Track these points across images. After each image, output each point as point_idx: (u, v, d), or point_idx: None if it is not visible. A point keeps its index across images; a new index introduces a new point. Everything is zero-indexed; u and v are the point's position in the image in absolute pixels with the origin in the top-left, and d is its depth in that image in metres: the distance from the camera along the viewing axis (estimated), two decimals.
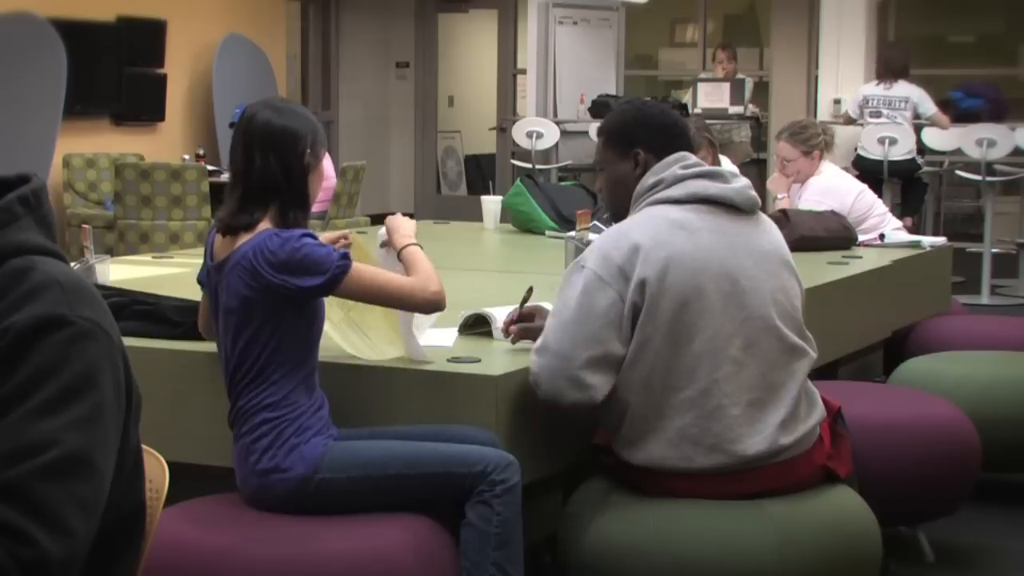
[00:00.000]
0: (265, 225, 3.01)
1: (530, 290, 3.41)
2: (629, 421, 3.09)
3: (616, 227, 3.17)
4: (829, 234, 5.54)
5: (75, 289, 1.80)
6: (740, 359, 3.06)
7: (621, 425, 3.12)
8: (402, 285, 3.07)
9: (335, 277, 2.95)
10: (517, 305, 3.39)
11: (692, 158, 3.22)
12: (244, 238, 3.00)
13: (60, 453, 1.70)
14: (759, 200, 3.24)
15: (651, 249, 3.04)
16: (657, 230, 3.08)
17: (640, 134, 3.23)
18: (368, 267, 3.06)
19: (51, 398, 1.72)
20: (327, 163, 8.24)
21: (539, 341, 3.10)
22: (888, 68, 10.03)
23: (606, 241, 3.11)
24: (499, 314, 3.50)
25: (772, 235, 3.25)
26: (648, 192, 3.18)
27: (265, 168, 3.02)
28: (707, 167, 3.21)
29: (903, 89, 9.89)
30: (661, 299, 3.02)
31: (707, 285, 3.05)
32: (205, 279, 3.17)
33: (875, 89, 10.03)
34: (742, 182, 3.22)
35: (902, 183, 9.87)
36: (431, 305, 3.09)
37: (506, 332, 3.40)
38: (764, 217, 3.27)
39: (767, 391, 3.09)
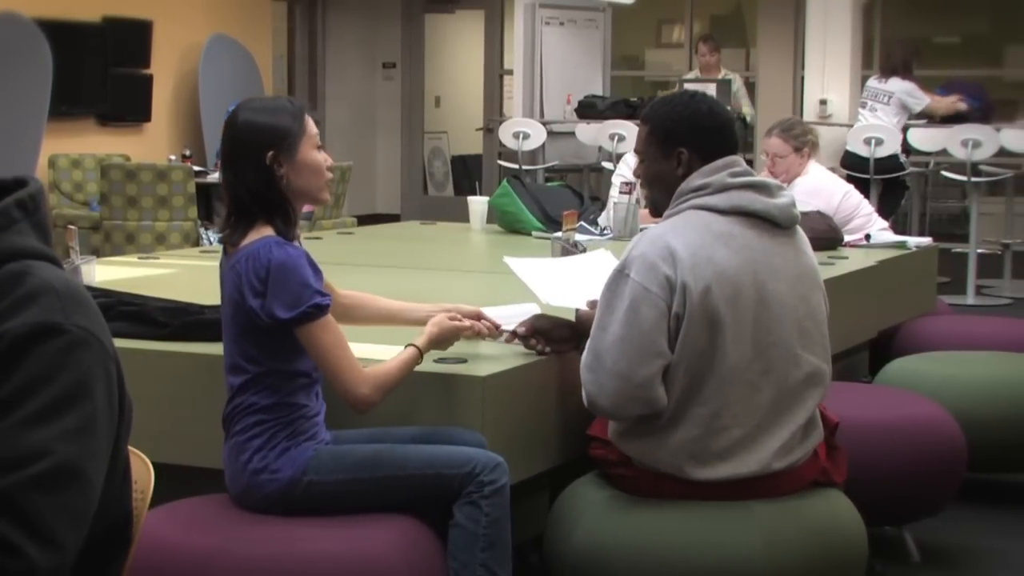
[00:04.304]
0: (267, 231, 2.98)
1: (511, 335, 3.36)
2: (636, 421, 3.07)
3: (658, 232, 3.06)
4: (815, 235, 5.48)
5: (70, 296, 1.78)
6: (756, 383, 3.04)
7: (626, 424, 3.10)
8: (352, 366, 2.92)
9: (304, 315, 2.88)
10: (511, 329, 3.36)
11: (741, 164, 3.13)
12: (243, 242, 2.98)
13: (52, 463, 1.69)
14: (799, 216, 3.19)
15: (695, 265, 2.96)
16: (702, 242, 3.00)
17: (686, 134, 3.12)
18: (337, 330, 2.94)
19: (44, 407, 1.71)
20: None
21: (588, 357, 3.03)
22: (887, 63, 10.10)
23: (649, 249, 3.00)
24: (488, 315, 3.49)
25: (807, 253, 3.22)
26: (692, 193, 3.09)
27: (229, 186, 3.02)
28: (754, 177, 3.14)
29: (892, 85, 9.91)
30: (698, 319, 2.97)
31: (741, 309, 3.01)
32: None
33: (871, 81, 10.11)
34: (786, 198, 3.16)
35: (882, 184, 9.87)
36: (352, 401, 2.95)
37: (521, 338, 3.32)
38: (801, 232, 3.22)
39: (775, 415, 3.07)
